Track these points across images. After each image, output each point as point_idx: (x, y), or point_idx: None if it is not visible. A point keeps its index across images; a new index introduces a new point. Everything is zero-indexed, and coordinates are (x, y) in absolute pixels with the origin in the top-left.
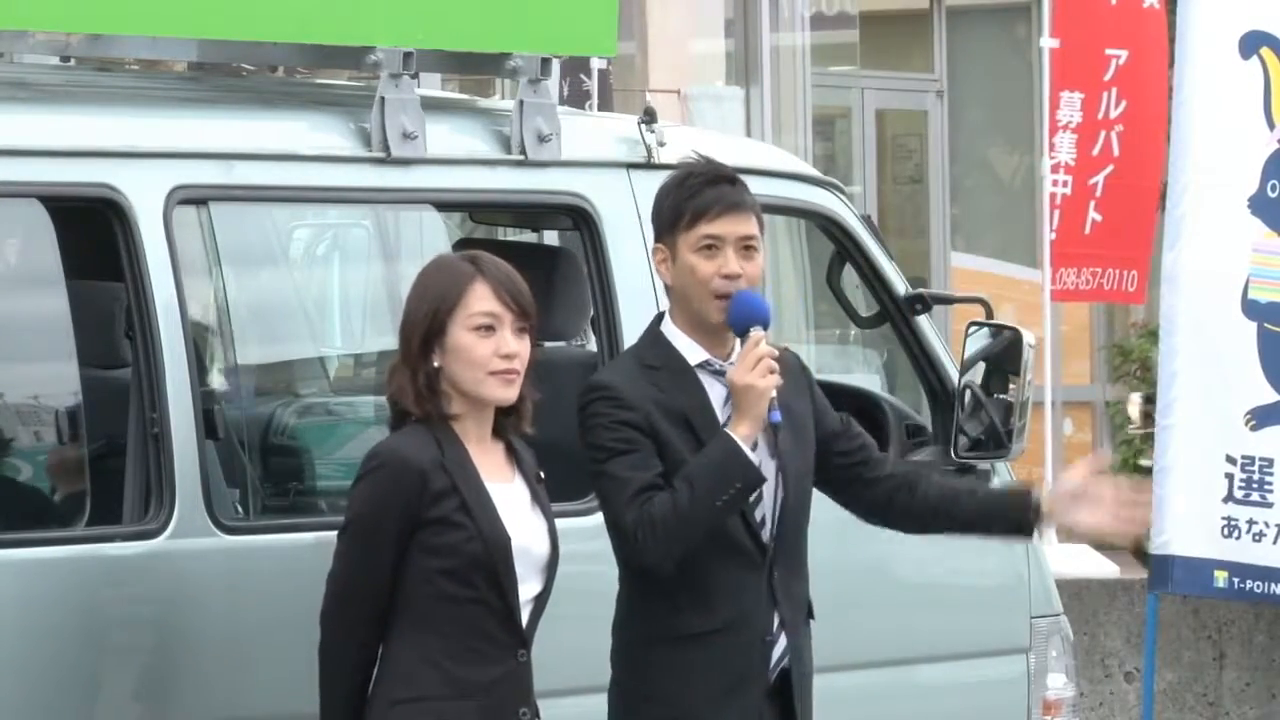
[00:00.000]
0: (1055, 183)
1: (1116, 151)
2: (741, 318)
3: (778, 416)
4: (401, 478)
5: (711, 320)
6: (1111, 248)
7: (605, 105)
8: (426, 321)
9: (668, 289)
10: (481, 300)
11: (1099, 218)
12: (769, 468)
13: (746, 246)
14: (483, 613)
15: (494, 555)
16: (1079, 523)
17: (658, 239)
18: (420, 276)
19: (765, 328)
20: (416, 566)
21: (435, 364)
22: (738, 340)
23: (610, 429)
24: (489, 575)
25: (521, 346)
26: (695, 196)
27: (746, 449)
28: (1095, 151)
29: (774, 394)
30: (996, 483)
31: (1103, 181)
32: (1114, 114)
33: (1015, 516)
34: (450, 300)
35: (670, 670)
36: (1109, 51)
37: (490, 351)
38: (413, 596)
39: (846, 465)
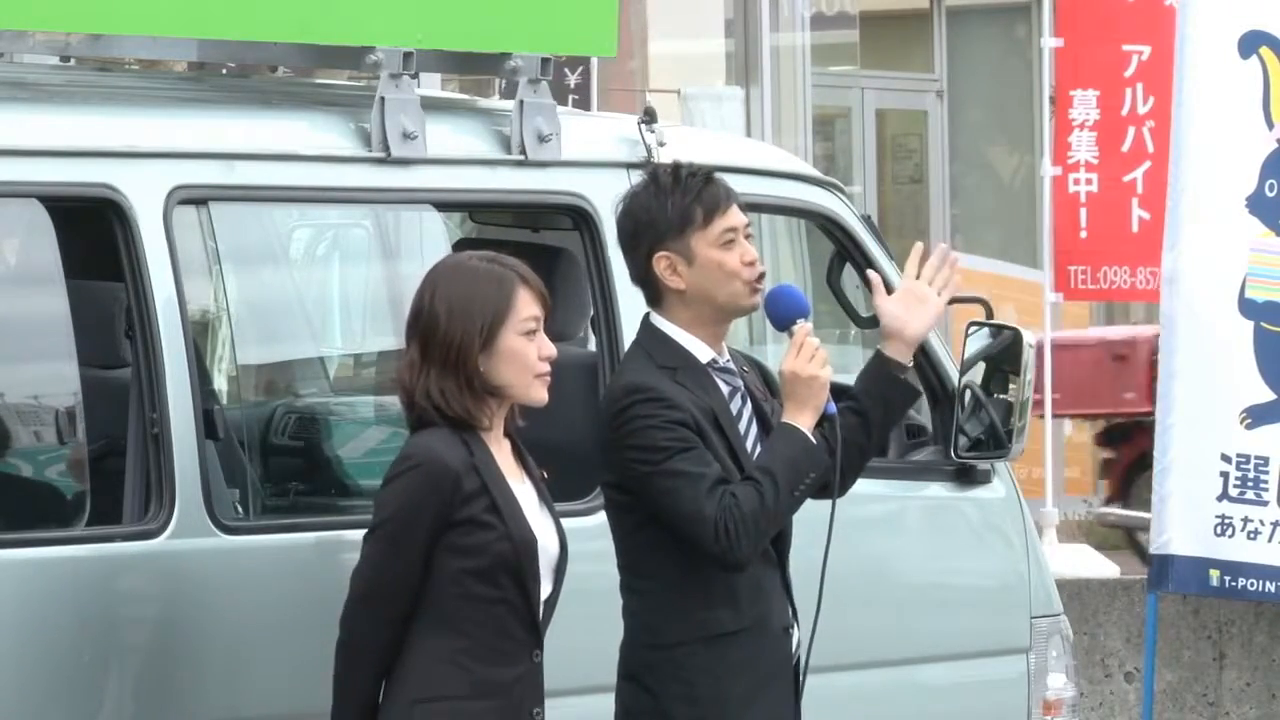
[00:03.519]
0: (1076, 181)
1: (1151, 147)
2: (783, 311)
3: (834, 408)
4: (437, 479)
5: (744, 305)
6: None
7: (584, 105)
8: (485, 328)
9: (674, 294)
10: (528, 305)
11: (1146, 215)
12: None
13: (748, 235)
14: (506, 613)
15: (521, 555)
16: (928, 324)
17: (657, 246)
18: (453, 282)
19: (807, 318)
20: (443, 567)
21: (480, 369)
22: (724, 344)
23: (664, 428)
24: (515, 575)
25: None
26: (701, 195)
27: (814, 439)
28: (1125, 148)
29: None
30: (863, 382)
31: (1142, 178)
32: (1142, 110)
33: (896, 388)
34: (504, 306)
35: (710, 669)
36: (1127, 48)
37: (536, 355)
38: (438, 597)
39: None
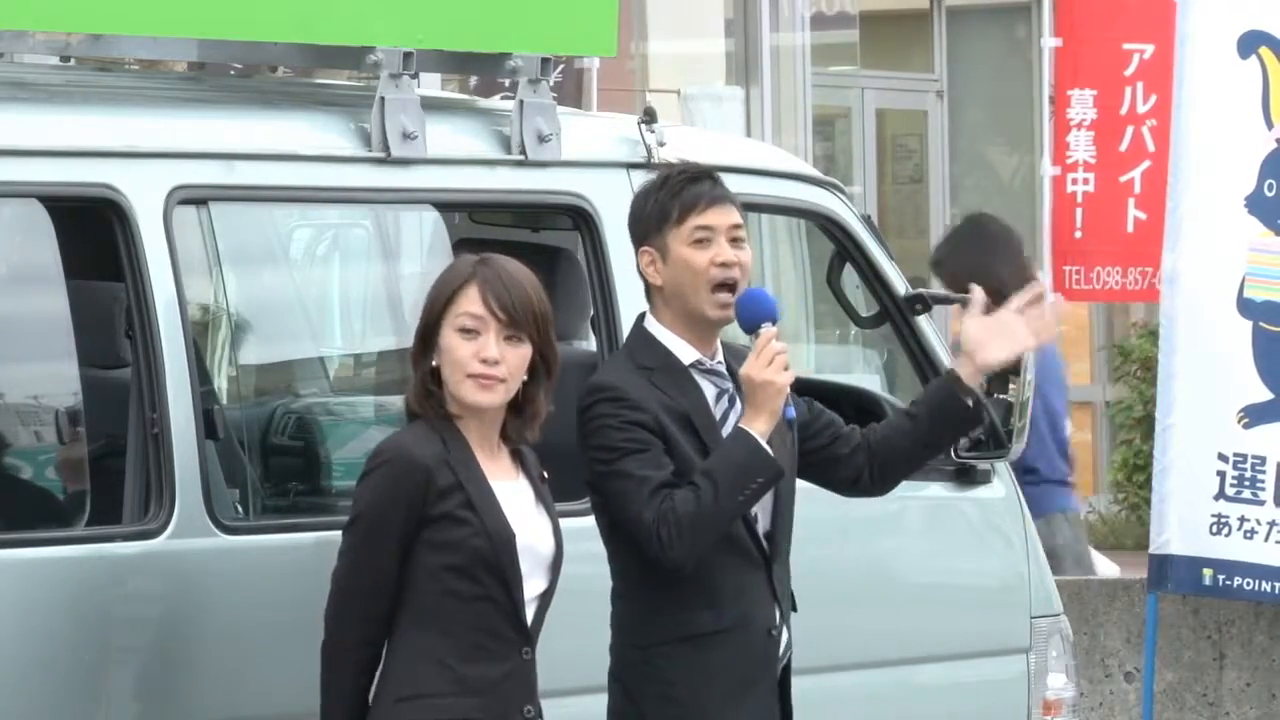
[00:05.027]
0: (1074, 181)
1: (1152, 146)
2: (751, 314)
3: (793, 412)
4: (407, 473)
5: (708, 314)
6: (1159, 244)
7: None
8: (424, 320)
9: (655, 290)
10: (468, 302)
11: (1143, 215)
12: None
13: (735, 238)
14: (488, 609)
15: (499, 551)
16: (1003, 358)
17: (643, 242)
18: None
19: (774, 323)
20: (422, 563)
21: (433, 363)
22: (720, 342)
23: (620, 429)
24: (494, 571)
25: (510, 354)
26: (681, 193)
27: (765, 444)
28: (1123, 147)
29: (789, 390)
30: (928, 390)
31: (1140, 177)
32: (1142, 109)
33: (953, 408)
34: (442, 300)
35: (687, 670)
36: (1128, 46)
37: (470, 354)
38: (418, 594)
39: (822, 448)
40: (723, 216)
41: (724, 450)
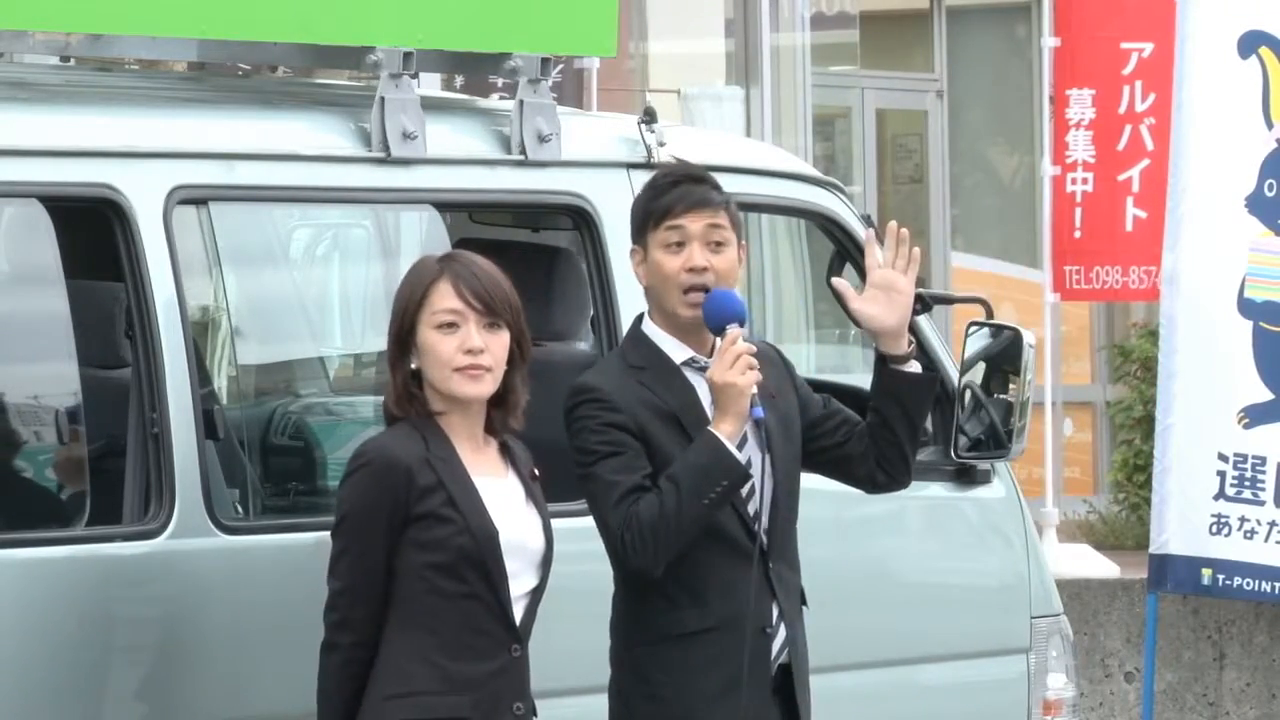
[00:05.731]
0: (1074, 181)
1: (1151, 145)
2: (717, 316)
3: (760, 412)
4: (387, 474)
5: (681, 315)
6: (1159, 244)
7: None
8: (397, 323)
9: (646, 290)
10: (443, 298)
11: (1142, 214)
12: (758, 461)
13: (715, 241)
14: (475, 607)
15: (482, 549)
16: (900, 314)
17: (634, 241)
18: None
19: (741, 324)
20: (409, 562)
21: (413, 365)
22: (717, 338)
23: (598, 431)
24: (479, 569)
25: (492, 342)
26: (662, 196)
27: (731, 447)
28: (1121, 146)
29: (755, 390)
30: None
31: (1138, 176)
32: (1141, 107)
33: (895, 381)
34: (415, 300)
35: (673, 669)
36: (1127, 45)
37: (454, 348)
38: (406, 592)
39: (838, 445)
40: (698, 220)
41: (689, 454)
